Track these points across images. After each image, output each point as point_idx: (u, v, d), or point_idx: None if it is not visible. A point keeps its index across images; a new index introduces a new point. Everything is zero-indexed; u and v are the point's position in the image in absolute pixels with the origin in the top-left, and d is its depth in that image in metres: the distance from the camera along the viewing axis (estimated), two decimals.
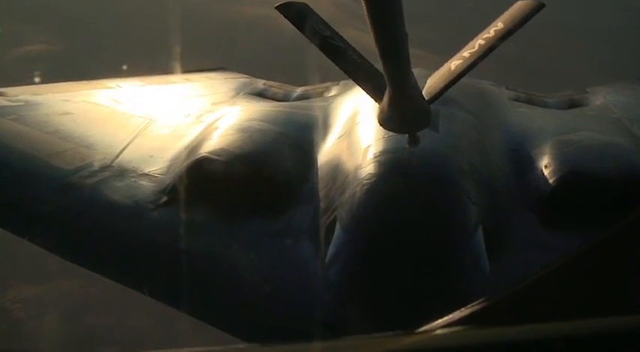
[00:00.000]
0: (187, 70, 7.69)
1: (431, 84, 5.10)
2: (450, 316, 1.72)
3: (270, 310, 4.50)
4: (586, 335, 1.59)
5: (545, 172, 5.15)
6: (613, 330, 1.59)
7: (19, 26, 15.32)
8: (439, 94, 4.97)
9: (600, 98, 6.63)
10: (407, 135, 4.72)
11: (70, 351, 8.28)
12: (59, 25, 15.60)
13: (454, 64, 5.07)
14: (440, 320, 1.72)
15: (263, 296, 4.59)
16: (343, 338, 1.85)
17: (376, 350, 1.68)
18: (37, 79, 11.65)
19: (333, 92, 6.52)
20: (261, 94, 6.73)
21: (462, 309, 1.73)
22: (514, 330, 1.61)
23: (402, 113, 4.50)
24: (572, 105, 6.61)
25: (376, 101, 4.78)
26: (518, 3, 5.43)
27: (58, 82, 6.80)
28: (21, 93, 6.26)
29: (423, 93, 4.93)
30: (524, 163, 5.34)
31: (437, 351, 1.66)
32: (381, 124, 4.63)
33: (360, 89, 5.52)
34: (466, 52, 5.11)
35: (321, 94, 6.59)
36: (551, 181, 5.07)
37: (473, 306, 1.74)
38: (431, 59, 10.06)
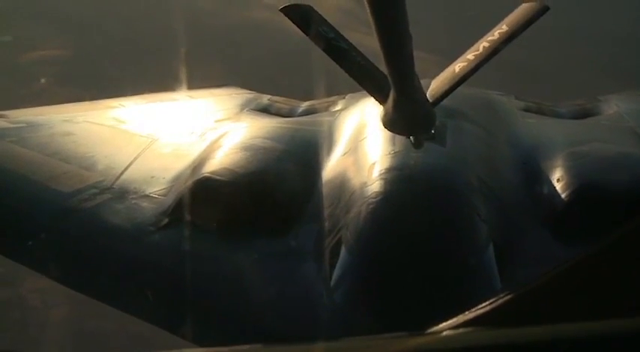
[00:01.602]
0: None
1: (435, 86, 5.04)
2: (456, 318, 1.69)
3: (274, 334, 4.39)
4: (591, 337, 1.57)
5: (558, 186, 5.04)
6: (617, 332, 1.58)
7: (31, 31, 15.47)
8: (443, 96, 4.91)
9: (613, 107, 6.49)
10: (412, 142, 4.66)
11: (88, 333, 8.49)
12: (70, 30, 15.76)
13: (458, 66, 5.02)
14: (445, 323, 1.68)
15: (267, 319, 4.50)
16: (348, 339, 1.77)
17: None
18: (47, 83, 11.78)
19: (339, 106, 6.37)
20: (265, 110, 6.59)
21: (468, 311, 1.70)
22: (520, 332, 1.59)
23: (406, 115, 4.46)
24: (584, 114, 6.47)
25: (380, 103, 4.72)
26: (523, 5, 5.38)
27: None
28: (22, 115, 6.21)
29: (428, 95, 4.87)
30: (536, 176, 5.23)
31: None
32: (385, 126, 4.58)
33: (366, 103, 5.46)
34: (470, 55, 5.07)
35: (326, 109, 6.44)
36: (563, 195, 4.95)
37: (479, 308, 1.72)
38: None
